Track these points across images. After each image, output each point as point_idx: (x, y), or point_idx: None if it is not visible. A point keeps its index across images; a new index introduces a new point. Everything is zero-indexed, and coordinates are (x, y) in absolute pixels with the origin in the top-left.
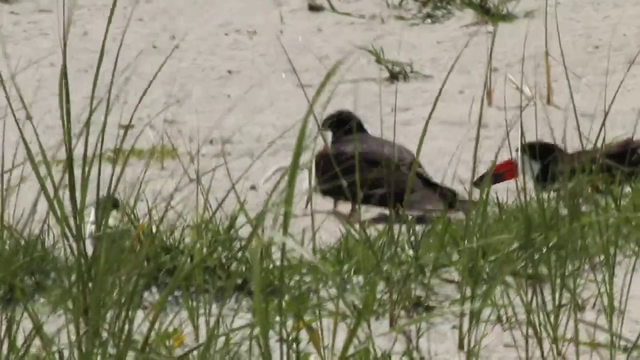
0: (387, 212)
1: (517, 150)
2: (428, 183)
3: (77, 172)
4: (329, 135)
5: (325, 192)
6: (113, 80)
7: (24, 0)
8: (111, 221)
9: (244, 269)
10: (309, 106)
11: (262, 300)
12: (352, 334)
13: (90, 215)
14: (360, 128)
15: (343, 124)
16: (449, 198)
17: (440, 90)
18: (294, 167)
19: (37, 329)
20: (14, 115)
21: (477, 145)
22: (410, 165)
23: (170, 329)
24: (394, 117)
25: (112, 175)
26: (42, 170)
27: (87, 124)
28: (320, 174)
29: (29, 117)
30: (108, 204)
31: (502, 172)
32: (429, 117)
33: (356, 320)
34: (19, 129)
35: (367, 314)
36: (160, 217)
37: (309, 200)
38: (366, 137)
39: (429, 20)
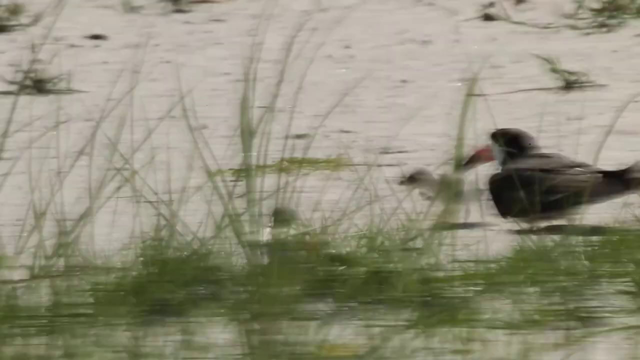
0: (563, 222)
1: None
2: (606, 173)
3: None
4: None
5: (505, 213)
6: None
7: (198, 9)
8: (286, 231)
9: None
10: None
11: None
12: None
13: (265, 227)
14: (537, 149)
15: (519, 145)
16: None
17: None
18: (457, 175)
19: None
20: (189, 125)
21: None
22: (586, 165)
23: (342, 341)
24: (573, 126)
25: (287, 185)
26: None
27: (267, 133)
28: (497, 195)
29: (203, 127)
30: (283, 214)
31: None
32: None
33: (530, 332)
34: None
35: (541, 325)
36: (335, 227)
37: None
38: (542, 156)
39: (603, 29)
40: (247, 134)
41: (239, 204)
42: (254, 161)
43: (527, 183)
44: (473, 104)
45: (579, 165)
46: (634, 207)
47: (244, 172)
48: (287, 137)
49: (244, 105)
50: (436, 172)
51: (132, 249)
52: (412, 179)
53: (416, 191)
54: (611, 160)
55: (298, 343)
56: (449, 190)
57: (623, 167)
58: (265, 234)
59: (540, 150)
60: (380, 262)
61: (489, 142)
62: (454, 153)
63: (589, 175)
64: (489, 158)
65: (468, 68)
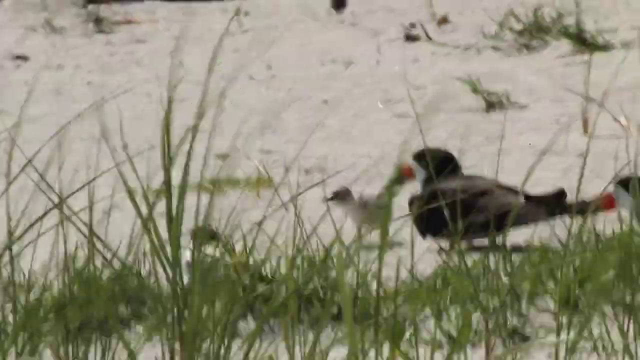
0: (485, 242)
1: (614, 184)
2: (530, 197)
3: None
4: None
5: (425, 233)
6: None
7: (120, 31)
8: (208, 251)
9: (340, 298)
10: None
11: (355, 327)
12: None
13: (187, 246)
14: (460, 169)
15: (442, 165)
16: (559, 199)
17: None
18: (390, 196)
19: (133, 357)
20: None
21: (582, 176)
22: (510, 188)
23: (266, 358)
24: (490, 146)
25: (208, 205)
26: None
27: (189, 153)
28: (418, 215)
29: (125, 146)
30: (204, 233)
31: (600, 203)
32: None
33: (452, 349)
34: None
35: (463, 343)
36: (254, 246)
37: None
38: (465, 176)
39: (525, 51)
40: (167, 153)
41: (160, 224)
42: (175, 181)
43: (448, 203)
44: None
45: (503, 187)
46: (555, 226)
47: (167, 191)
48: (208, 157)
49: (166, 125)
50: (359, 191)
51: (55, 269)
52: (337, 197)
53: (340, 209)
54: (534, 179)
55: None
56: (371, 209)
57: (547, 192)
58: (186, 254)
59: (463, 171)
60: (303, 280)
61: (412, 162)
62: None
63: (512, 198)
64: (412, 177)
65: (390, 89)
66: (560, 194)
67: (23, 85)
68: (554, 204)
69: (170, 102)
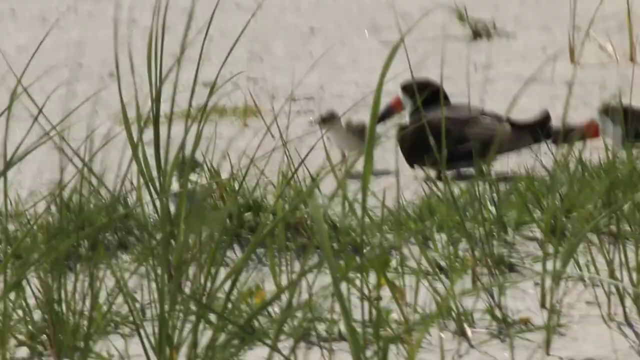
0: (472, 171)
1: (598, 111)
2: (514, 124)
3: (162, 131)
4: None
5: (412, 162)
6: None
7: None
8: (193, 180)
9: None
10: (385, 63)
11: (334, 255)
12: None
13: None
14: (446, 98)
15: (430, 95)
16: (543, 123)
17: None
18: (373, 125)
19: (120, 285)
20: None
21: (567, 104)
22: (495, 116)
23: (253, 287)
24: (478, 74)
25: (196, 133)
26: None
27: (175, 82)
28: (405, 145)
29: (111, 75)
30: (190, 163)
31: (585, 131)
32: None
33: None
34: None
35: (449, 271)
36: (243, 175)
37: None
38: (451, 106)
39: None
40: (155, 83)
41: (148, 152)
42: (162, 109)
43: (434, 132)
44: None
45: (488, 115)
46: (541, 154)
47: (154, 120)
48: (195, 86)
49: (150, 54)
50: (346, 118)
51: (43, 196)
52: (325, 121)
53: (327, 134)
54: (520, 108)
55: (209, 289)
56: (358, 136)
57: (532, 118)
58: (174, 182)
59: (450, 100)
60: (290, 209)
61: (400, 93)
62: (374, 102)
63: (498, 125)
64: (401, 109)
65: (376, 17)
66: (545, 118)
67: (9, 14)
68: (538, 129)
69: (155, 29)
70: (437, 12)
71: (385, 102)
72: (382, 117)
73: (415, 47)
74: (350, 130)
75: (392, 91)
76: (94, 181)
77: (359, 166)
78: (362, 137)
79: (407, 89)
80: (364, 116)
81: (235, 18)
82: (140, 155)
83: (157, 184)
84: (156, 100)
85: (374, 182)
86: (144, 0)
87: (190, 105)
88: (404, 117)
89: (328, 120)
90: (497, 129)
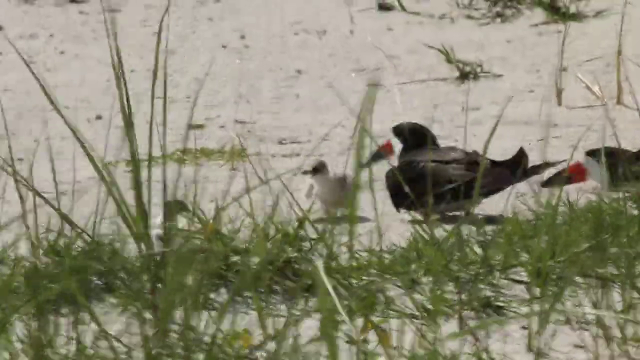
0: (457, 212)
1: (585, 154)
2: (496, 163)
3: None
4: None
5: (398, 205)
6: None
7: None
8: (179, 223)
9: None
10: (362, 104)
11: (329, 300)
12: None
13: (157, 217)
14: (433, 142)
15: (417, 138)
16: (519, 159)
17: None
18: (358, 169)
19: (104, 330)
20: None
21: (546, 146)
22: (476, 155)
23: (239, 331)
24: (465, 116)
25: (181, 176)
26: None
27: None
28: (391, 187)
29: (98, 118)
30: (175, 205)
31: (571, 174)
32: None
33: (425, 322)
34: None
35: (436, 314)
36: (228, 218)
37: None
38: (438, 149)
39: (498, 20)
40: (131, 124)
41: (132, 195)
42: (147, 152)
43: (418, 175)
44: (372, 95)
45: (470, 156)
46: (527, 196)
47: (132, 163)
48: (182, 128)
49: (121, 96)
50: (334, 163)
51: (26, 241)
52: (316, 171)
53: (312, 182)
54: (505, 150)
55: (195, 332)
56: (345, 182)
57: (511, 157)
58: (158, 225)
59: (437, 143)
60: (275, 251)
61: (391, 136)
62: (357, 146)
63: (476, 166)
64: (391, 151)
65: (363, 59)
66: (521, 157)
67: None
68: (515, 168)
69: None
70: (424, 53)
71: (378, 143)
72: (372, 159)
73: (403, 89)
74: (338, 181)
75: (382, 134)
76: (69, 228)
77: (345, 211)
78: (344, 187)
79: (397, 131)
80: (350, 157)
81: (223, 61)
82: (126, 197)
83: (141, 226)
84: (133, 143)
85: (361, 226)
86: (131, 43)
87: (177, 147)
88: (395, 160)
89: (318, 170)
90: (465, 174)
